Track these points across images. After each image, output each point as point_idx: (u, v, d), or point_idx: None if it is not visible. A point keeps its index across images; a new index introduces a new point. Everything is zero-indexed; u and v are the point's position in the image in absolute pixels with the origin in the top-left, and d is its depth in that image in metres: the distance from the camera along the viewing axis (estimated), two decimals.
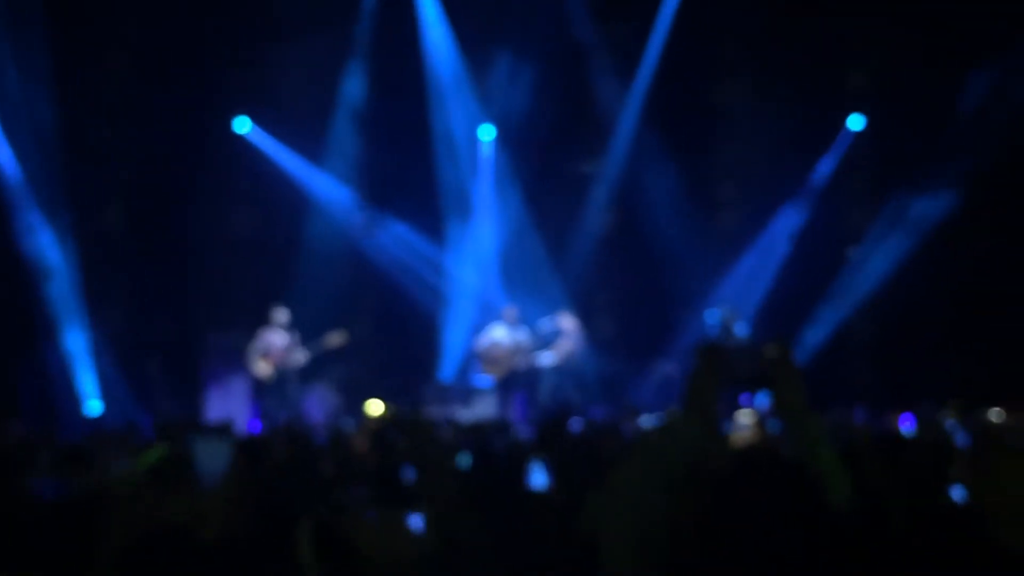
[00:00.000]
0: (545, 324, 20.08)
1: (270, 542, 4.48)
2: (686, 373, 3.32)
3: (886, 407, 17.11)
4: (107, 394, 20.08)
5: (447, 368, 21.30)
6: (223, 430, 4.61)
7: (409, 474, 8.31)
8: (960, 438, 11.71)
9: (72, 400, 19.53)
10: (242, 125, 21.62)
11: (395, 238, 21.84)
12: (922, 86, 20.64)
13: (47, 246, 20.15)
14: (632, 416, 14.83)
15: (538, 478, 7.80)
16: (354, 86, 22.05)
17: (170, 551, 3.93)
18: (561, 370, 20.11)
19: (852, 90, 21.89)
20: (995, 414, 14.73)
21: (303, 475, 6.79)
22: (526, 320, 20.25)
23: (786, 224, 21.86)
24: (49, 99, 19.87)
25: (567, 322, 20.16)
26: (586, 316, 21.57)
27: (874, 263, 21.12)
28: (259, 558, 4.32)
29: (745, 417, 9.93)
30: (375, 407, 15.21)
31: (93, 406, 19.91)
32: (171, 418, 14.19)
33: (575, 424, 12.79)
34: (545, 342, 20.06)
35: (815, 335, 21.07)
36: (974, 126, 19.62)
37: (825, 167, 21.82)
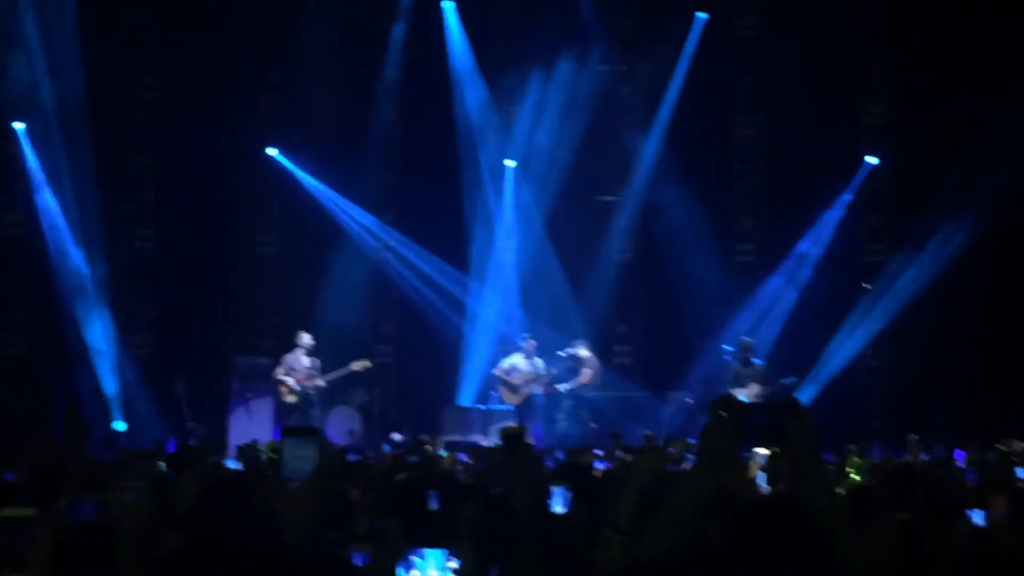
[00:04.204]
0: (563, 354, 20.35)
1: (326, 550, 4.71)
2: (702, 426, 3.56)
3: (900, 441, 17.34)
4: (133, 414, 20.39)
5: (466, 394, 21.52)
6: (313, 432, 4.71)
7: (433, 503, 8.60)
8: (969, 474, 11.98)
9: (100, 419, 19.78)
10: (272, 151, 21.92)
11: (418, 265, 22.07)
12: (937, 122, 20.90)
13: (80, 266, 20.49)
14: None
15: (559, 503, 8.08)
16: (383, 115, 22.36)
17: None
18: (578, 398, 20.36)
19: (869, 126, 22.14)
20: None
21: (332, 498, 6.98)
22: (544, 347, 20.49)
23: (804, 255, 22.08)
24: (84, 122, 20.26)
25: (583, 351, 20.42)
26: (605, 344, 21.82)
27: (890, 297, 21.30)
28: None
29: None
30: None
31: (119, 425, 20.21)
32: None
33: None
34: (563, 370, 20.32)
35: (831, 367, 21.25)
36: (989, 162, 19.82)
37: (842, 202, 22.05)
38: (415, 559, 4.84)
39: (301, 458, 4.59)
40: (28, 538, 4.41)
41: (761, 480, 9.69)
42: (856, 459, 12.45)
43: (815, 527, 2.97)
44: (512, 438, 5.92)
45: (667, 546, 3.21)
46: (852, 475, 11.82)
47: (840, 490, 6.44)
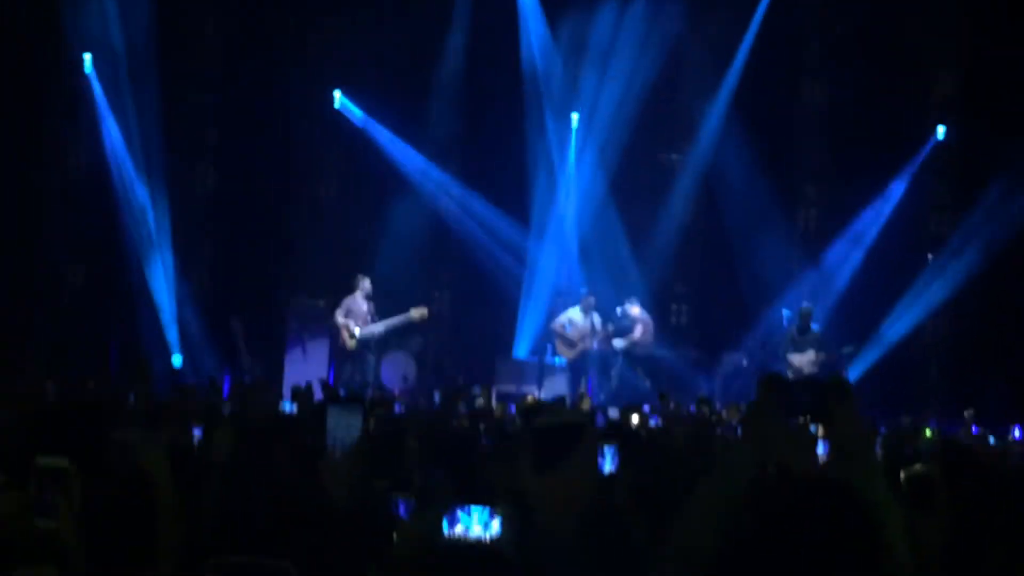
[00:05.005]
0: (617, 311, 20.33)
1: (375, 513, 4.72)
2: (749, 403, 3.56)
3: (956, 415, 17.26)
4: (190, 350, 20.57)
5: (521, 346, 21.53)
6: (356, 400, 4.73)
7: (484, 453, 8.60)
8: None
9: (157, 351, 19.96)
10: (336, 97, 21.93)
11: (478, 215, 22.05)
12: (1006, 93, 20.63)
13: (143, 202, 20.63)
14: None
15: (608, 463, 8.05)
16: (448, 65, 22.30)
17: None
18: (632, 355, 20.34)
19: (938, 96, 21.88)
20: None
21: (388, 450, 7.01)
22: (602, 303, 20.45)
23: (867, 224, 21.90)
24: (151, 61, 20.36)
25: (636, 309, 20.39)
26: (663, 303, 21.77)
27: (953, 269, 21.10)
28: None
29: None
30: None
31: (175, 360, 20.41)
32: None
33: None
34: (618, 327, 20.29)
35: (890, 337, 21.09)
36: None
37: (908, 171, 21.83)
38: (460, 514, 4.82)
39: (345, 426, 4.59)
40: (61, 488, 4.42)
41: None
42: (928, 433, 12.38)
43: (859, 510, 2.96)
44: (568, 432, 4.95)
45: (705, 528, 3.21)
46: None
47: (902, 473, 6.33)
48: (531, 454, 5.36)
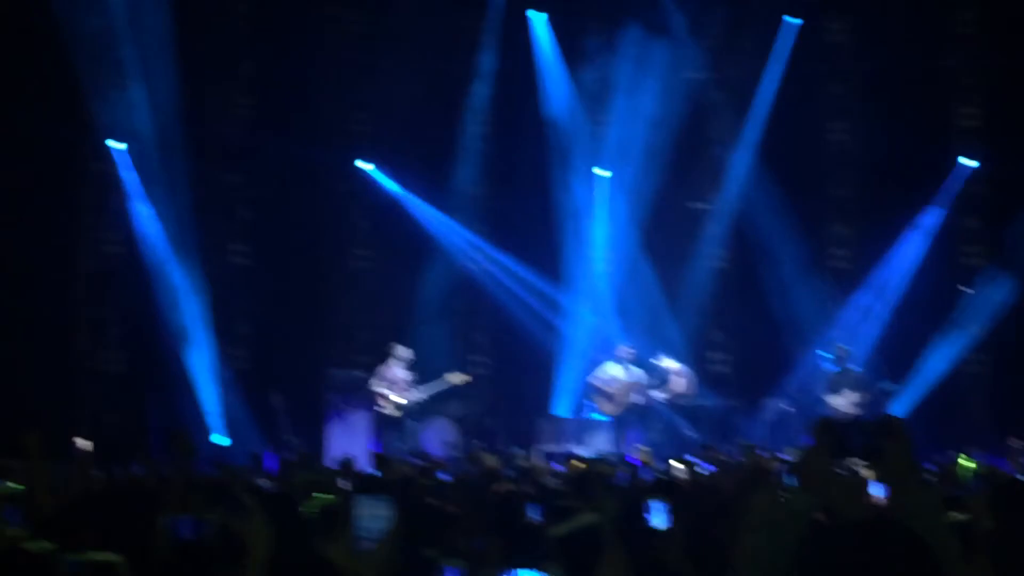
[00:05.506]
0: (655, 363, 20.23)
1: None
2: (802, 450, 3.53)
3: (1003, 448, 17.10)
4: (232, 427, 20.56)
5: (562, 404, 21.46)
6: (388, 492, 4.69)
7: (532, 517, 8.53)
8: None
9: (199, 433, 19.93)
10: (365, 166, 22.01)
11: (511, 275, 22.04)
12: None
13: (177, 282, 20.68)
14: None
15: (659, 518, 7.96)
16: (473, 125, 22.40)
17: None
18: (674, 407, 20.23)
19: (961, 129, 21.85)
20: None
21: (435, 518, 6.98)
22: (640, 355, 20.38)
23: (900, 261, 21.83)
24: (179, 142, 20.46)
25: (669, 362, 20.26)
26: (701, 352, 21.70)
27: (989, 300, 20.97)
28: None
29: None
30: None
31: (218, 439, 20.40)
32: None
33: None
34: (659, 380, 20.19)
35: (929, 373, 20.96)
36: None
37: (937, 206, 21.77)
38: None
39: (374, 517, 4.56)
40: None
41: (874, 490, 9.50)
42: (966, 463, 12.24)
43: (919, 550, 2.92)
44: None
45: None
46: (964, 465, 11.61)
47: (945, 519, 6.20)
48: (560, 569, 5.31)
